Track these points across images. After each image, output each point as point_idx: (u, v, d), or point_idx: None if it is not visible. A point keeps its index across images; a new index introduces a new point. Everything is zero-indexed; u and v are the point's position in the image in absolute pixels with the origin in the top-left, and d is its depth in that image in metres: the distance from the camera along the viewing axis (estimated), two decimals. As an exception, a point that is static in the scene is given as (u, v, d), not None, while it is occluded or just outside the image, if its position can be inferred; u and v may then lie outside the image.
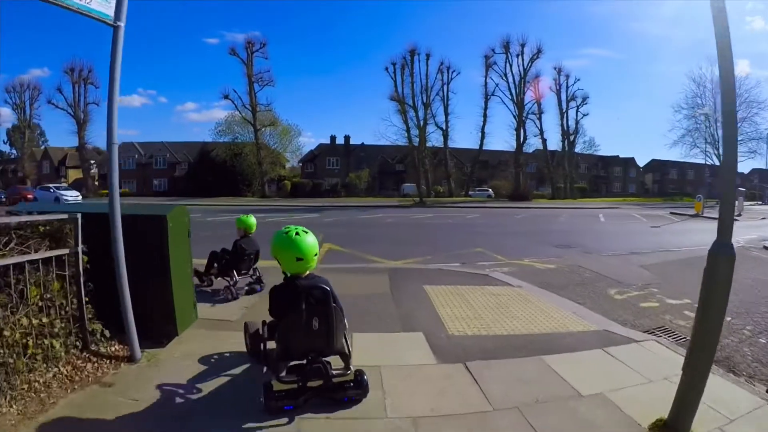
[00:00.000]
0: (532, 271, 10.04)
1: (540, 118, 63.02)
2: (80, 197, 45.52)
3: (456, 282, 8.23)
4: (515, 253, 12.53)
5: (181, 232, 5.48)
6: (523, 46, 59.23)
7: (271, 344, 4.19)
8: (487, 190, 64.15)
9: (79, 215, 4.54)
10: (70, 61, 61.03)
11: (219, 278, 7.86)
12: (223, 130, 64.33)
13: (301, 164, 77.20)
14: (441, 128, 62.80)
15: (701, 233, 18.12)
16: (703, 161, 52.30)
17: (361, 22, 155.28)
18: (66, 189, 47.99)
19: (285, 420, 3.66)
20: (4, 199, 47.69)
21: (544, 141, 64.49)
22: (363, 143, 76.42)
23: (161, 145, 74.53)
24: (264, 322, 4.39)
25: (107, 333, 4.66)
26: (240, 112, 59.30)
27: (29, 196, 44.76)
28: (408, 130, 55.62)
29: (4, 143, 76.89)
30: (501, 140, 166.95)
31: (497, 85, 61.67)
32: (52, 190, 44.96)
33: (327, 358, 3.99)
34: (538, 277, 9.24)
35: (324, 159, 75.57)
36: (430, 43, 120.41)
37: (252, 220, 8.24)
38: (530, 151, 66.22)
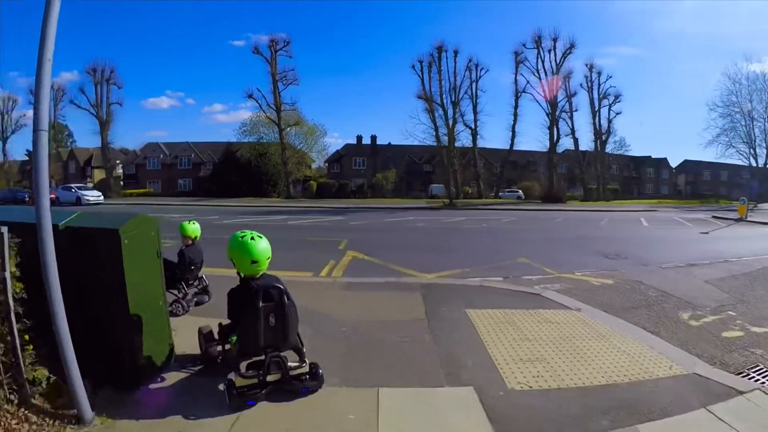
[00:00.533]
0: (588, 288, 8.69)
1: (571, 117, 60.52)
2: (102, 197, 45.72)
3: (504, 304, 6.98)
4: (563, 264, 11.19)
5: (146, 251, 4.43)
6: (555, 40, 56.88)
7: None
8: (517, 192, 62.30)
9: (4, 229, 3.50)
10: (92, 62, 60.97)
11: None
12: (247, 130, 64.11)
13: (327, 164, 76.44)
14: (470, 127, 61.03)
15: (756, 240, 16.83)
16: (738, 161, 50.19)
17: (387, 20, 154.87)
18: (88, 189, 48.41)
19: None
20: (27, 199, 48.25)
21: (575, 140, 61.89)
22: (390, 143, 75.30)
23: (186, 146, 74.50)
24: (220, 324, 4.63)
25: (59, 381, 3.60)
26: (264, 112, 58.59)
27: (51, 195, 44.33)
28: (436, 130, 54.09)
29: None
30: (530, 140, 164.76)
31: (528, 81, 59.57)
32: (73, 190, 45.32)
33: (283, 353, 4.28)
34: (596, 297, 7.90)
35: (350, 159, 74.46)
36: (457, 39, 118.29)
37: (194, 226, 7.66)
38: (559, 151, 63.48)
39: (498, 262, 11.47)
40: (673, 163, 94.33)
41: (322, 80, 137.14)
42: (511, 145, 64.22)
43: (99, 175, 69.75)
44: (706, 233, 19.73)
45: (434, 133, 54.55)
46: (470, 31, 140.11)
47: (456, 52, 57.03)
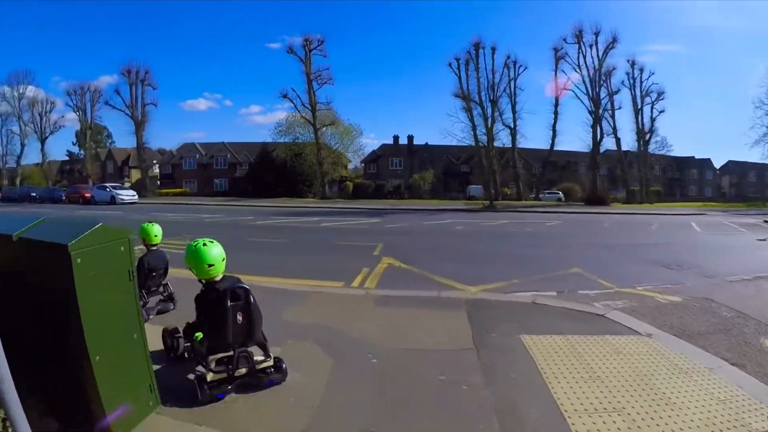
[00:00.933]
0: (654, 306, 7.67)
1: (613, 116, 58.28)
2: (136, 196, 46.56)
3: (563, 328, 6.07)
4: (620, 275, 10.15)
5: (110, 271, 3.55)
6: (596, 35, 54.72)
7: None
8: (557, 193, 60.71)
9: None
10: (127, 63, 62.91)
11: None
12: (283, 130, 63.95)
13: (363, 165, 76.07)
14: (509, 127, 59.35)
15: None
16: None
17: (423, 17, 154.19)
18: (122, 188, 49.26)
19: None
20: (63, 198, 49.12)
21: (617, 140, 59.41)
22: (427, 143, 74.62)
23: (222, 146, 75.68)
24: (187, 323, 4.95)
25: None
26: (299, 112, 58.26)
27: (87, 194, 46.30)
28: (474, 129, 52.87)
29: (73, 144, 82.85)
30: (571, 140, 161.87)
31: (568, 78, 57.55)
32: (108, 189, 46.24)
33: (249, 349, 4.52)
34: (665, 318, 6.92)
35: (387, 159, 73.90)
36: (494, 36, 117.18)
37: (156, 229, 7.26)
38: (600, 151, 61.31)
39: (548, 272, 10.50)
40: (717, 163, 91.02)
41: (358, 80, 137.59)
42: (552, 144, 62.39)
43: (136, 174, 71.56)
44: (764, 240, 18.38)
45: (472, 133, 53.42)
46: (507, 27, 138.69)
47: (494, 49, 55.55)
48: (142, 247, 7.10)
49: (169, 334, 5.26)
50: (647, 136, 62.50)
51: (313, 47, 57.10)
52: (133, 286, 3.76)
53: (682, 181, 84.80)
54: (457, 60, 53.68)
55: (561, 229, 21.55)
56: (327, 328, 6.07)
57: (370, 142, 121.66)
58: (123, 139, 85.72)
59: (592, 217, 31.13)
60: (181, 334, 5.08)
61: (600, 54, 55.01)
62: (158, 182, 73.64)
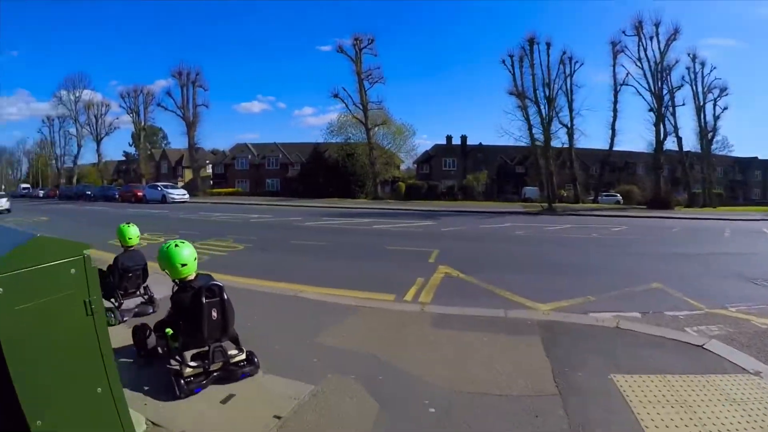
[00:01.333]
0: (753, 332, 6.60)
1: (674, 113, 54.33)
2: (187, 195, 48.05)
3: (658, 362, 5.19)
4: (707, 292, 9.00)
5: (55, 305, 2.62)
6: (657, 26, 50.73)
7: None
8: (616, 196, 58.27)
9: None
10: (177, 65, 66.03)
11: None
12: (335, 130, 63.96)
13: (415, 165, 75.30)
14: (565, 125, 56.94)
15: None
16: None
17: (475, 13, 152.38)
18: (173, 187, 51.04)
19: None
20: (117, 196, 50.64)
21: (679, 139, 54.88)
22: (481, 143, 73.23)
23: (274, 146, 76.90)
24: (159, 321, 5.07)
25: None
26: (350, 111, 58.15)
27: (139, 193, 47.78)
28: (530, 128, 50.53)
29: (129, 145, 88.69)
30: (626, 139, 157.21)
31: (628, 73, 54.26)
32: (159, 188, 48.20)
33: (223, 343, 4.73)
34: (770, 348, 5.93)
35: (440, 160, 72.97)
36: (549, 31, 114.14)
37: (132, 231, 7.24)
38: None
39: (625, 286, 9.49)
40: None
41: (409, 80, 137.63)
42: (611, 144, 59.69)
43: (189, 174, 73.43)
44: None
45: (528, 132, 51.46)
46: (562, 21, 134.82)
47: (548, 45, 52.63)
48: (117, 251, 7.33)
49: (140, 331, 5.39)
50: (710, 135, 58.79)
51: (363, 46, 56.74)
52: (93, 323, 2.80)
53: (745, 183, 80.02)
54: (511, 56, 51.32)
55: (629, 236, 19.95)
56: (374, 359, 5.33)
57: (423, 142, 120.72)
58: (177, 140, 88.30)
59: (659, 222, 29.19)
60: (152, 331, 5.22)
61: (661, 46, 51.34)
62: (211, 182, 75.82)
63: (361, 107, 56.56)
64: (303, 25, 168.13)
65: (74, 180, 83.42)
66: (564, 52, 54.58)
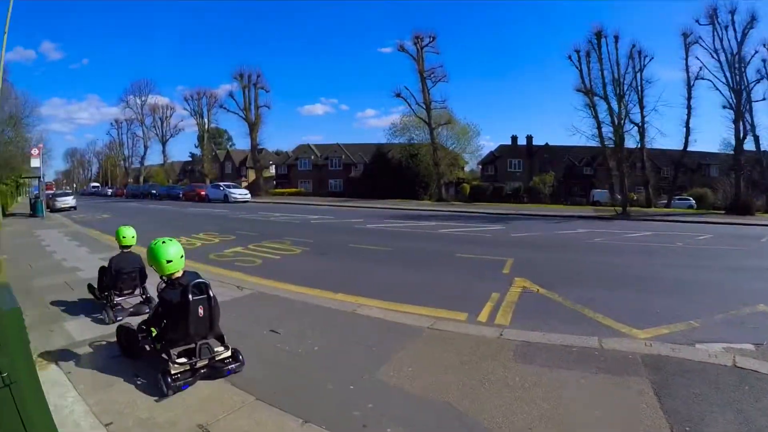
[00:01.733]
0: None
1: (750, 110, 48.20)
2: (248, 195, 48.95)
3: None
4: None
5: None
6: (732, 13, 45.86)
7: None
8: (689, 199, 55.04)
9: None
10: (238, 68, 66.53)
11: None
12: (398, 131, 63.39)
13: (480, 166, 73.66)
14: (636, 124, 52.50)
15: None
16: None
17: (538, 8, 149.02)
18: (235, 187, 51.91)
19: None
20: (181, 195, 51.76)
21: (756, 138, 48.42)
22: (547, 143, 70.99)
23: (337, 147, 77.48)
24: (144, 321, 5.25)
25: None
26: (413, 111, 56.61)
27: (202, 192, 48.69)
28: (599, 127, 47.17)
29: (195, 146, 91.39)
30: (699, 138, 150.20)
31: (702, 66, 49.31)
32: (221, 188, 49.58)
33: (209, 340, 4.88)
34: None
35: (505, 161, 70.85)
36: (616, 23, 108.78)
37: (127, 232, 7.47)
38: (730, 151, 51.44)
39: (730, 309, 8.00)
40: None
41: (471, 80, 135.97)
42: (685, 144, 54.39)
43: (253, 175, 75.28)
44: None
45: (597, 131, 48.29)
46: (629, 12, 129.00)
47: (617, 38, 48.52)
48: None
49: (121, 333, 5.54)
50: (790, 132, 53.77)
51: (425, 44, 55.06)
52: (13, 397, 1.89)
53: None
54: (577, 52, 47.66)
55: (717, 245, 17.63)
56: (449, 409, 4.29)
57: (486, 143, 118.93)
58: (241, 142, 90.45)
59: (744, 230, 25.60)
60: (136, 331, 5.28)
61: (738, 36, 45.69)
62: (274, 182, 77.34)
63: (424, 106, 54.88)
64: (363, 27, 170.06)
65: (141, 179, 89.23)
66: (633, 46, 50.08)
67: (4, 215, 28.50)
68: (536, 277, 10.21)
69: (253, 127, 65.44)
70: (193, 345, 4.74)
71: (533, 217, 31.21)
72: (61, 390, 4.59)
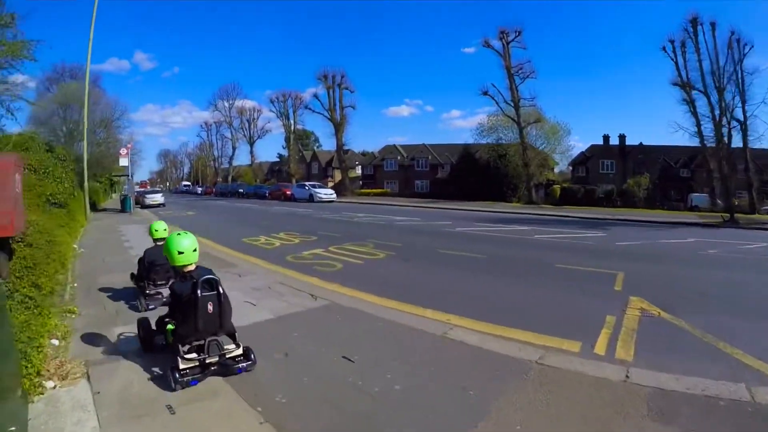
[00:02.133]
0: None
1: None
2: (334, 195, 49.71)
3: None
4: None
5: None
6: None
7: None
8: (795, 206, 50.04)
9: None
10: (322, 69, 68.24)
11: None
12: (485, 130, 61.36)
13: (570, 168, 70.62)
14: (738, 121, 47.29)
15: None
16: None
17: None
18: (321, 187, 52.60)
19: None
20: (267, 194, 52.77)
21: None
22: (641, 143, 66.93)
23: (423, 147, 77.45)
24: (161, 317, 5.25)
25: None
26: (501, 109, 54.32)
27: (287, 192, 49.42)
28: (698, 125, 43.30)
29: (283, 147, 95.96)
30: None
31: None
32: (307, 188, 50.66)
33: (219, 338, 4.85)
34: None
35: (596, 162, 67.48)
36: (712, 9, 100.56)
37: (159, 226, 7.95)
38: None
39: None
40: None
41: (558, 78, 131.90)
42: None
43: (339, 175, 76.23)
44: None
45: (696, 130, 44.00)
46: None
47: (713, 25, 42.21)
48: None
49: (144, 331, 5.56)
50: None
51: (510, 39, 52.60)
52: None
53: None
54: (672, 42, 43.45)
55: None
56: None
57: (575, 144, 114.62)
58: (327, 142, 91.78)
59: None
60: (155, 328, 5.37)
61: None
62: (360, 183, 78.26)
63: (511, 104, 52.61)
64: (447, 28, 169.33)
65: (230, 179, 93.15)
66: (732, 33, 44.56)
67: (96, 210, 30.13)
68: (654, 297, 8.71)
69: (338, 128, 66.28)
70: (202, 341, 4.73)
71: (631, 222, 28.71)
72: (82, 417, 4.09)
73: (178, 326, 4.85)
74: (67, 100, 35.80)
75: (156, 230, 7.89)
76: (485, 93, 53.28)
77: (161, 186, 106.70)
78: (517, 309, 8.12)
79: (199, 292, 4.58)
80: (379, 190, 70.53)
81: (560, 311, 8.02)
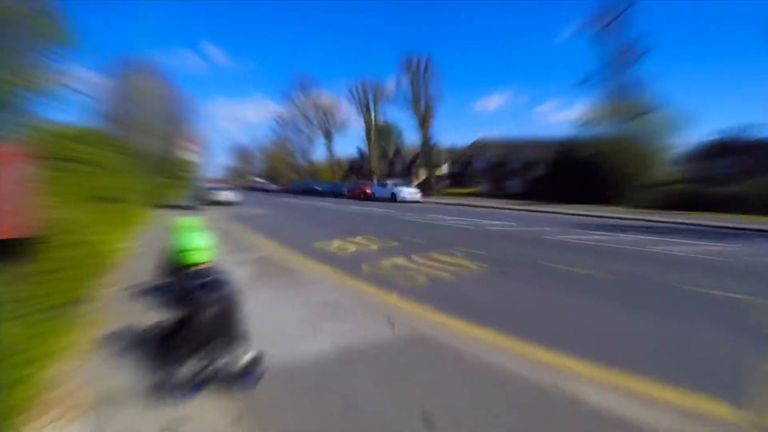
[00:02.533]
0: None
1: None
2: (419, 195, 46.53)
3: None
4: None
5: None
6: None
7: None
8: None
9: None
10: (406, 56, 63.61)
11: None
12: (585, 124, 56.14)
13: (680, 166, 65.48)
14: None
15: None
16: None
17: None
18: (404, 186, 48.68)
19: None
20: (345, 192, 51.19)
21: None
22: (768, 138, 61.18)
23: (516, 143, 71.72)
24: (172, 319, 4.92)
25: None
26: (603, 99, 50.56)
27: (367, 190, 47.76)
28: None
29: (363, 143, 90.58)
30: None
31: None
32: (389, 186, 47.35)
33: (226, 342, 4.62)
34: None
35: (714, 161, 62.26)
36: None
37: (189, 223, 6.87)
38: None
39: None
40: None
41: (670, 63, 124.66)
42: None
43: (424, 173, 72.28)
44: None
45: None
46: None
47: None
48: None
49: (159, 331, 5.38)
50: None
51: (611, 20, 48.09)
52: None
53: None
54: None
55: None
56: None
57: (690, 138, 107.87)
58: (412, 138, 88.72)
59: None
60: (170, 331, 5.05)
61: None
62: (447, 181, 74.76)
63: (614, 93, 49.19)
64: (538, 15, 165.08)
65: (306, 175, 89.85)
66: None
67: (164, 207, 29.46)
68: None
69: (423, 121, 62.57)
70: (207, 346, 4.53)
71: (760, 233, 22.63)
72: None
73: (184, 328, 4.59)
74: (133, 93, 35.66)
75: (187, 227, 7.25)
76: (585, 81, 50.56)
77: (231, 182, 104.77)
78: (646, 350, 6.18)
79: (204, 293, 4.47)
80: (467, 190, 66.10)
81: (710, 357, 5.96)
